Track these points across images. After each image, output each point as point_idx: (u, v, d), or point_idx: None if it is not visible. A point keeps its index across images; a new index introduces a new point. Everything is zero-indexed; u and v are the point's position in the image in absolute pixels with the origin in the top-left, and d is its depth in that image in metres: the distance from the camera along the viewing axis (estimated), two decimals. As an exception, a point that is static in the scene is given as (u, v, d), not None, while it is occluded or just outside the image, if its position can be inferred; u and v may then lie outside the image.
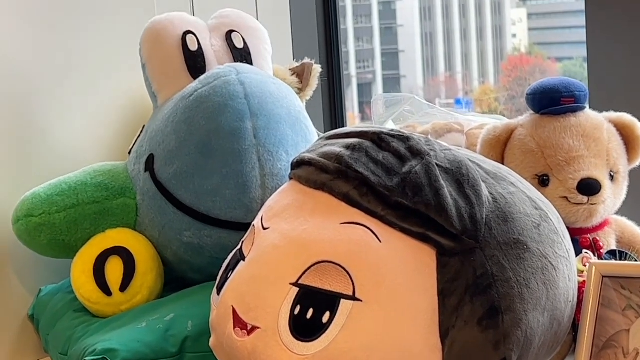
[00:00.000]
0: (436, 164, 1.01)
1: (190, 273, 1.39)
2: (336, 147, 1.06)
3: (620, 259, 1.28)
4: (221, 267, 1.12)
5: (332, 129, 2.03)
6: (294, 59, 1.73)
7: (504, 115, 1.62)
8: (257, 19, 1.64)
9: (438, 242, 0.97)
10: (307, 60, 1.67)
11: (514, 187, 1.05)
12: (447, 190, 0.99)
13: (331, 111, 2.13)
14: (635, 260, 1.28)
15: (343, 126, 2.09)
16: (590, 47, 1.61)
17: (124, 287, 1.33)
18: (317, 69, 1.67)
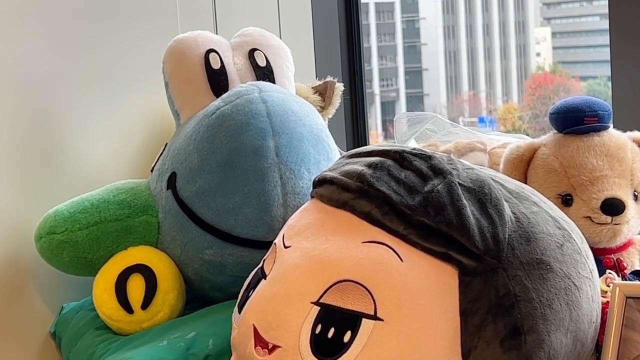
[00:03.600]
0: (458, 183, 1.01)
1: (212, 291, 1.38)
2: (358, 165, 1.06)
3: (644, 280, 1.27)
4: (242, 285, 1.12)
5: (355, 147, 2.03)
6: (316, 77, 1.73)
7: (527, 134, 1.61)
8: (280, 37, 1.64)
9: (460, 262, 0.96)
10: (329, 78, 1.67)
11: (536, 206, 1.05)
12: (470, 210, 0.99)
13: (353, 129, 2.13)
14: (660, 281, 1.27)
15: (365, 144, 2.09)
16: (614, 67, 1.61)
17: (145, 305, 1.33)
18: (340, 87, 1.67)
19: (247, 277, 1.13)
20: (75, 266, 1.39)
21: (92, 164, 1.55)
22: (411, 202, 1.00)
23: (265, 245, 1.19)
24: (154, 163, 1.44)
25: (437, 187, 1.00)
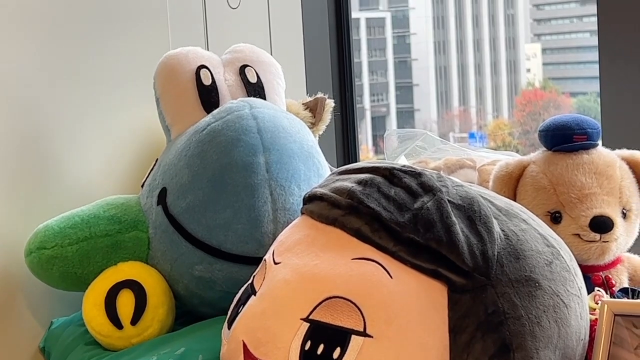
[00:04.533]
0: (448, 200, 1.02)
1: (202, 307, 1.38)
2: (348, 182, 1.07)
3: (633, 297, 1.27)
4: (232, 301, 1.12)
5: (345, 163, 2.04)
6: (307, 94, 1.74)
7: (517, 150, 1.62)
8: (271, 54, 1.65)
9: (449, 279, 0.97)
10: (320, 94, 1.68)
11: (525, 224, 1.05)
12: (459, 227, 0.99)
13: (344, 145, 2.14)
14: (648, 299, 1.27)
15: (356, 160, 2.10)
16: (603, 85, 1.62)
17: (135, 320, 1.32)
18: (330, 103, 1.67)
19: (237, 292, 1.14)
20: (65, 281, 1.39)
21: (83, 179, 1.55)
22: (401, 219, 1.00)
23: (255, 261, 1.20)
24: (144, 178, 1.45)
25: (427, 204, 1.01)
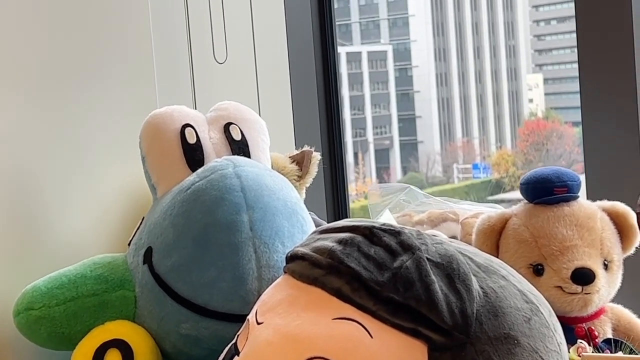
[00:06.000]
0: (427, 258, 1.03)
1: (189, 364, 1.39)
2: (328, 241, 1.08)
3: (616, 348, 1.28)
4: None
5: (335, 216, 2.05)
6: (295, 146, 1.75)
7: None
8: (259, 107, 1.67)
9: (429, 337, 0.98)
10: (306, 147, 1.69)
11: (505, 280, 1.06)
12: (438, 285, 1.00)
13: (334, 198, 2.15)
14: (631, 349, 1.28)
15: (346, 213, 2.11)
16: (586, 140, 1.63)
17: (122, 380, 1.33)
18: (317, 156, 1.68)
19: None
20: (52, 341, 1.39)
21: (70, 238, 1.55)
22: (380, 278, 1.01)
23: (240, 318, 1.20)
24: (131, 237, 1.45)
25: (406, 262, 1.02)
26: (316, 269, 1.06)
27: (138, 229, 1.44)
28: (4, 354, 1.47)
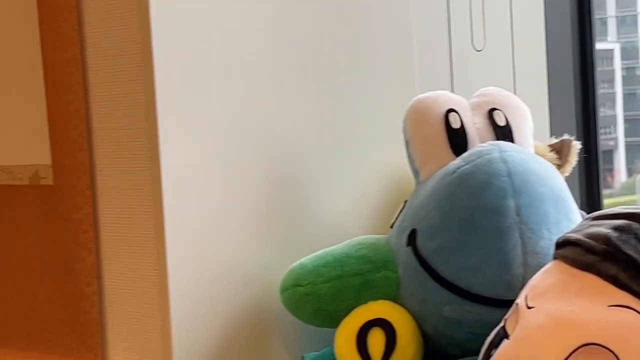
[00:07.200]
0: None
1: (449, 347, 1.40)
2: (603, 228, 1.06)
3: None
4: (480, 342, 1.13)
5: (588, 205, 2.01)
6: (551, 135, 1.72)
7: None
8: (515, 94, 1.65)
9: None
10: (566, 136, 1.66)
11: None
12: None
13: (587, 187, 2.10)
14: None
15: (600, 202, 2.06)
16: None
17: (385, 359, 1.35)
18: (577, 145, 1.65)
19: (486, 334, 1.14)
20: (317, 318, 1.44)
21: (333, 220, 1.59)
22: (659, 267, 0.99)
23: (504, 303, 1.20)
24: (393, 219, 1.48)
25: (689, 252, 0.99)
26: (590, 255, 1.05)
27: (400, 211, 1.46)
28: (269, 329, 1.53)
